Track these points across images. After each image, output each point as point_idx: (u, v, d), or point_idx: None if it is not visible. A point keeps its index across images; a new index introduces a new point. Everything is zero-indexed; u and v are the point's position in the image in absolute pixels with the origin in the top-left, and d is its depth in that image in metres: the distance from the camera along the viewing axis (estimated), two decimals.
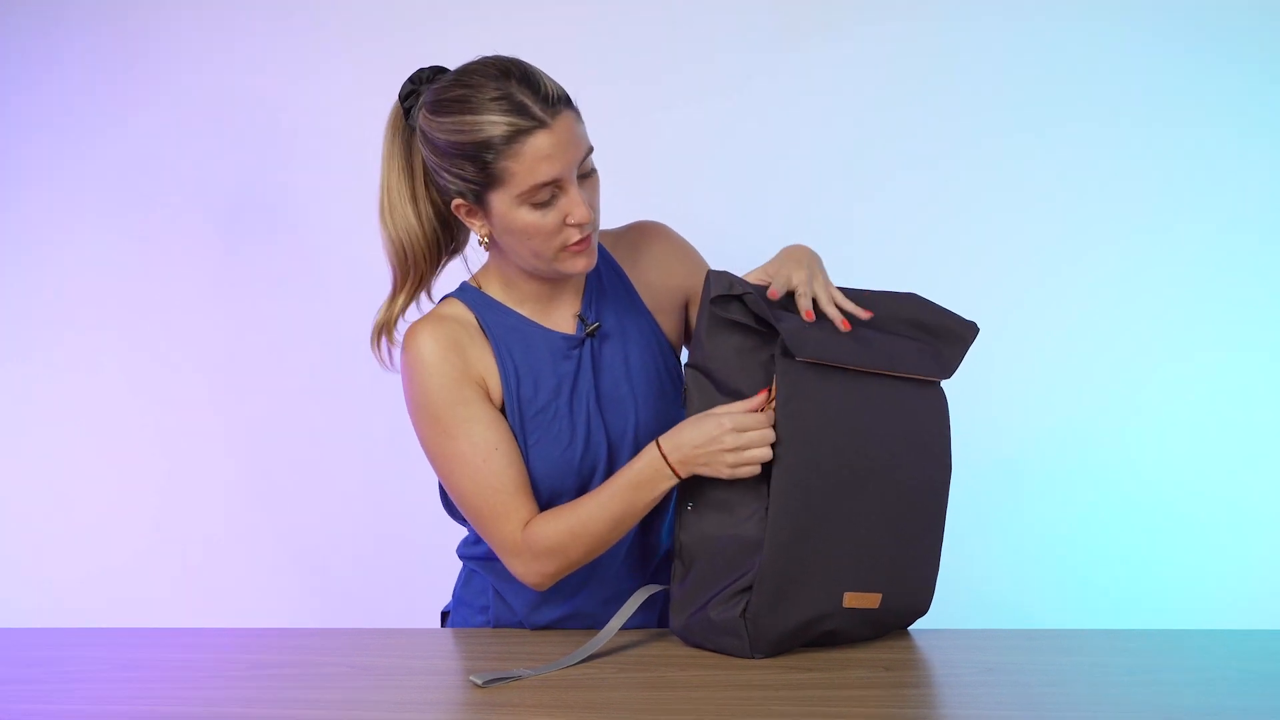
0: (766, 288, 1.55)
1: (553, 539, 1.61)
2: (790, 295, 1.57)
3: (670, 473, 1.56)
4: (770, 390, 1.52)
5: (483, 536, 1.67)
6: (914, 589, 1.62)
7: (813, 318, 1.54)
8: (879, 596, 1.56)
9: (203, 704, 1.42)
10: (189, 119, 2.59)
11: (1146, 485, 2.50)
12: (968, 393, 2.26)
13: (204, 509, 2.64)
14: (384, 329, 1.69)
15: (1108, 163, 2.48)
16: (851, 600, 1.54)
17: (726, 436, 1.51)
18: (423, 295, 1.71)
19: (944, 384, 1.64)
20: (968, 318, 1.64)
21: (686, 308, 1.79)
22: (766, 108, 2.52)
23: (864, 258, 2.49)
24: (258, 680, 1.52)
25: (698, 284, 1.74)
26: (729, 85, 2.53)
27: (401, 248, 1.65)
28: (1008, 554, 2.53)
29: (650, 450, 1.57)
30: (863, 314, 1.56)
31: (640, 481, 1.58)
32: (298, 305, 2.62)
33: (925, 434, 1.59)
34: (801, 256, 1.61)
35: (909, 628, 1.66)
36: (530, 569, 1.63)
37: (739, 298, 1.53)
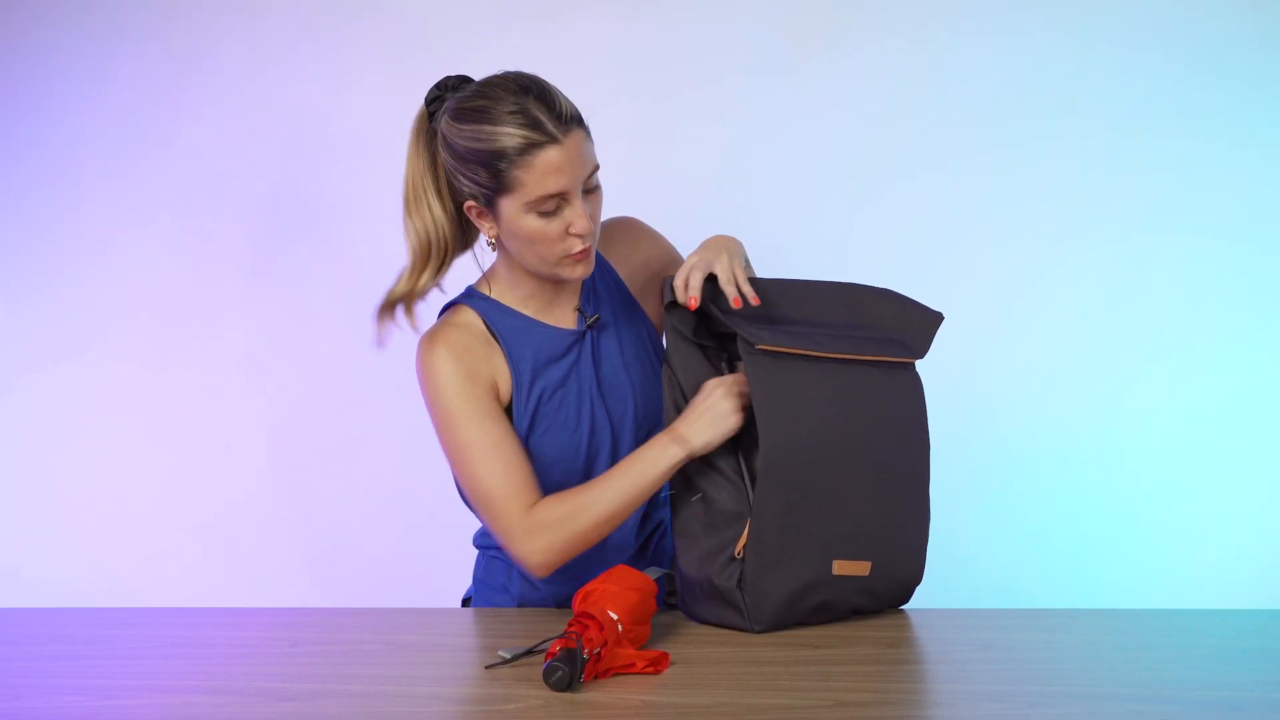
0: (714, 297, 1.57)
1: (559, 512, 1.61)
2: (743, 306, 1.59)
3: (669, 440, 1.56)
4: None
5: (488, 523, 1.66)
6: (904, 558, 1.61)
7: (739, 304, 1.54)
8: (868, 565, 1.56)
9: (245, 678, 1.43)
10: (232, 132, 2.60)
11: (1134, 476, 2.51)
12: (968, 386, 2.40)
13: (243, 499, 2.65)
14: (405, 300, 1.69)
15: (1098, 172, 2.49)
16: (841, 568, 1.54)
17: (719, 390, 1.55)
18: (443, 280, 1.72)
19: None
20: (934, 308, 1.66)
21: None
22: (775, 122, 2.54)
23: (868, 259, 2.53)
24: (298, 656, 1.53)
25: (665, 257, 1.80)
26: (739, 102, 2.54)
27: (427, 237, 1.66)
28: (1004, 539, 2.53)
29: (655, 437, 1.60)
30: (753, 299, 1.56)
31: (642, 457, 1.59)
32: (329, 305, 2.63)
33: (901, 414, 1.60)
34: (724, 244, 1.62)
35: (908, 606, 1.66)
36: (533, 548, 1.61)
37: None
